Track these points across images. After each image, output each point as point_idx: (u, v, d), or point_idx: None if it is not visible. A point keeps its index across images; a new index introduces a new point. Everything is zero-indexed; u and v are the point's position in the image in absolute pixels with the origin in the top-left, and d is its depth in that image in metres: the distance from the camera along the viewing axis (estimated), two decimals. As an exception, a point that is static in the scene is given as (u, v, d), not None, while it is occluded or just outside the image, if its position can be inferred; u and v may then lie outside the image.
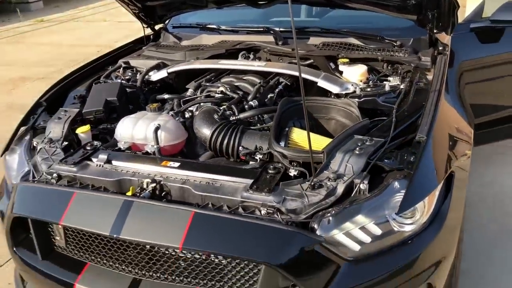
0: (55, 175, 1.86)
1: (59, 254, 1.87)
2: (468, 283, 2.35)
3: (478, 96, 2.69)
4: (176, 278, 1.66)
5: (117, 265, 1.74)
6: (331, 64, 2.45)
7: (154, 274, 1.69)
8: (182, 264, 1.66)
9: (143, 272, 1.70)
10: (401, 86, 2.17)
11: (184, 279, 1.65)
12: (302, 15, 3.10)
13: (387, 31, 2.61)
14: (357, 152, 1.69)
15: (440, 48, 2.50)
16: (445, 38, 2.57)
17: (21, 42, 8.61)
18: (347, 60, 2.41)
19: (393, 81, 2.26)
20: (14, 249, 1.92)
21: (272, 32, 2.73)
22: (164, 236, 1.55)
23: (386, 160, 1.69)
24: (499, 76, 2.75)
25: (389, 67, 2.43)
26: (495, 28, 2.67)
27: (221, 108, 2.12)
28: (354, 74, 2.33)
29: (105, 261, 1.76)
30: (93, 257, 1.78)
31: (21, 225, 1.93)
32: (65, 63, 6.58)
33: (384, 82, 2.23)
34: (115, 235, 1.58)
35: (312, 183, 1.61)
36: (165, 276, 1.67)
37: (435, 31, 2.46)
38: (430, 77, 2.24)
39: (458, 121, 2.11)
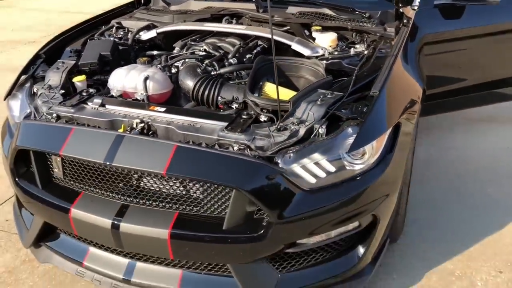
0: (54, 115, 2.11)
1: (57, 184, 2.14)
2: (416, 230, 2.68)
3: (435, 67, 2.98)
4: (160, 204, 1.94)
5: (108, 193, 2.01)
6: (306, 31, 2.71)
7: (140, 201, 1.96)
8: (165, 192, 1.94)
9: (131, 199, 1.97)
10: (365, 52, 2.45)
11: (166, 204, 1.93)
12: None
13: (359, 4, 2.86)
14: (318, 103, 1.97)
15: (405, 21, 2.77)
16: (409, 12, 2.84)
17: (11, 6, 8.68)
18: (320, 28, 2.67)
19: (359, 48, 2.54)
20: (17, 179, 2.18)
21: (254, 0, 2.98)
22: (151, 164, 1.82)
23: (343, 110, 1.97)
24: (457, 49, 3.03)
25: (357, 36, 2.70)
26: (456, 5, 2.95)
27: (203, 64, 2.37)
28: (325, 40, 2.59)
29: (97, 190, 2.03)
30: (87, 186, 2.05)
31: (23, 160, 2.19)
32: (55, 28, 6.70)
33: (351, 48, 2.51)
34: (108, 163, 1.85)
35: (278, 126, 1.89)
36: (150, 202, 1.95)
37: (400, 5, 2.74)
38: (392, 45, 2.51)
39: (410, 83, 2.39)
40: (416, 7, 2.87)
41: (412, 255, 2.50)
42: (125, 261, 2.07)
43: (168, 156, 1.80)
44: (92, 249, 2.15)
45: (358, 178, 1.90)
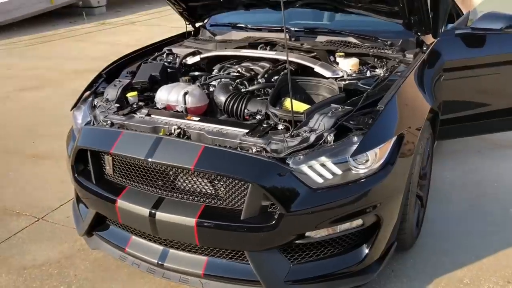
0: (109, 122, 2.54)
1: (107, 180, 2.54)
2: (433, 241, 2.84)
3: (455, 92, 3.18)
4: (189, 197, 2.28)
5: (148, 187, 2.38)
6: (331, 57, 3.03)
7: (174, 194, 2.31)
8: (194, 188, 2.28)
9: (166, 193, 2.33)
10: (381, 74, 2.73)
11: (195, 198, 2.27)
12: (317, 19, 3.70)
13: (383, 33, 3.15)
14: (329, 115, 2.27)
15: (424, 48, 3.03)
16: (429, 40, 3.09)
17: (85, 41, 9.63)
18: (343, 54, 2.98)
19: (378, 71, 2.82)
20: (76, 175, 2.60)
21: (288, 30, 3.35)
22: (182, 160, 2.18)
23: (351, 122, 2.25)
24: (477, 75, 3.22)
25: (378, 61, 2.98)
26: (475, 35, 3.16)
27: (235, 82, 2.74)
28: (347, 65, 2.88)
29: (139, 185, 2.40)
30: (131, 182, 2.43)
31: (81, 160, 2.62)
32: (122, 59, 7.45)
33: (368, 71, 2.79)
34: (148, 159, 2.23)
35: (292, 134, 2.20)
36: (182, 195, 2.29)
37: (419, 34, 3.00)
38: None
39: (417, 100, 2.63)
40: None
41: (424, 263, 2.67)
42: (160, 248, 2.41)
43: (197, 154, 2.15)
44: (134, 237, 2.51)
45: (361, 180, 2.15)
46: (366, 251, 2.26)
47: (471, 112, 3.35)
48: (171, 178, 2.32)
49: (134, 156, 2.29)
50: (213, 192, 2.24)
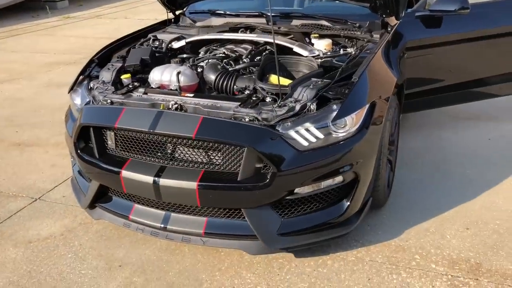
0: (109, 101, 2.76)
1: (110, 155, 2.76)
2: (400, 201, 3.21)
3: (417, 69, 3.55)
4: (189, 164, 2.54)
5: (150, 158, 2.62)
6: (306, 38, 3.34)
7: (175, 163, 2.57)
8: (193, 156, 2.54)
9: (167, 162, 2.58)
10: (352, 52, 3.06)
11: (195, 165, 2.53)
12: (293, 5, 4.00)
13: (351, 16, 3.49)
14: (311, 87, 2.57)
15: (389, 29, 3.38)
16: (393, 21, 3.45)
17: (51, 34, 9.60)
18: (317, 35, 3.29)
19: (349, 50, 3.15)
20: (79, 151, 2.81)
21: (264, 16, 3.63)
22: (184, 130, 2.43)
23: (330, 93, 2.57)
24: (433, 54, 3.60)
25: (348, 42, 3.31)
26: (433, 16, 3.53)
27: (222, 62, 3.01)
28: (322, 45, 3.20)
29: (141, 156, 2.64)
30: (134, 154, 2.67)
31: (82, 138, 2.82)
32: (93, 51, 7.50)
33: (341, 50, 3.12)
34: (151, 130, 2.47)
35: (280, 104, 2.50)
36: (182, 163, 2.55)
37: (383, 16, 3.35)
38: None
39: (386, 73, 2.98)
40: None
41: (395, 218, 3.03)
42: (162, 212, 2.66)
43: (197, 124, 2.42)
44: (137, 205, 2.74)
45: (341, 142, 2.47)
46: (347, 204, 2.59)
47: (431, 87, 3.73)
48: (171, 148, 2.57)
49: (139, 128, 2.53)
50: (211, 159, 2.51)
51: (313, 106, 2.49)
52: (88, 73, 3.18)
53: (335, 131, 2.48)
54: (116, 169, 2.64)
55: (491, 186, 3.33)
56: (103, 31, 9.59)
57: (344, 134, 2.49)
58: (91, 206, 2.91)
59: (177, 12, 4.14)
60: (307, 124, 2.43)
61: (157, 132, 2.47)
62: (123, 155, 2.71)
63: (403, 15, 3.49)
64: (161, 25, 4.03)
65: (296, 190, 2.48)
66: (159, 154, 2.60)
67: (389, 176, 3.12)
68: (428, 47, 3.59)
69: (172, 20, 4.10)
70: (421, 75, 3.66)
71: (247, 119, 2.45)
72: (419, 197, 3.24)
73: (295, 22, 3.54)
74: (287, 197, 2.48)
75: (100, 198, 2.89)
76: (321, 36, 3.31)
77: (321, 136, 2.46)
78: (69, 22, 10.87)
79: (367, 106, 2.59)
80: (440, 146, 3.95)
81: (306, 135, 2.44)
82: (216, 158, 2.51)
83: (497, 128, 4.21)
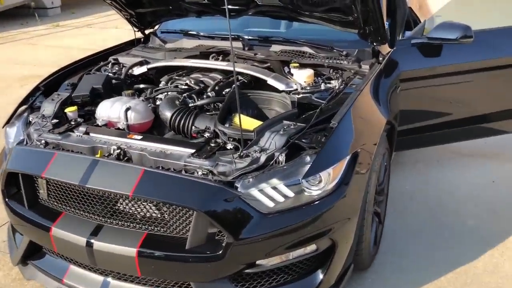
0: (43, 141, 2.32)
1: (42, 205, 2.32)
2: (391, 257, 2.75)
3: (412, 102, 3.11)
4: (130, 224, 2.09)
5: (85, 214, 2.17)
6: (285, 67, 2.90)
7: (113, 221, 2.12)
8: (136, 214, 2.09)
9: (105, 219, 2.13)
10: (336, 87, 2.61)
11: (136, 225, 2.09)
12: (272, 27, 3.56)
13: (338, 42, 3.05)
14: (281, 133, 2.13)
15: (380, 58, 2.94)
16: (386, 50, 3.01)
17: (37, 44, 9.20)
18: (297, 64, 2.85)
19: (334, 83, 2.71)
20: (7, 200, 2.37)
21: (241, 39, 3.20)
22: (120, 185, 1.99)
23: (303, 140, 2.12)
24: (434, 85, 3.16)
25: (333, 73, 2.87)
26: (432, 44, 3.10)
27: (183, 96, 2.57)
28: (302, 76, 2.76)
29: (76, 211, 2.20)
30: (67, 207, 2.22)
31: (14, 182, 2.38)
32: (74, 64, 7.12)
33: (323, 84, 2.67)
34: (82, 184, 2.03)
35: (241, 154, 2.05)
36: (122, 222, 2.10)
37: (374, 44, 2.91)
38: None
39: (373, 115, 2.53)
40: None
41: (383, 282, 2.57)
42: (100, 278, 2.21)
43: (136, 179, 1.97)
44: (72, 267, 2.30)
45: (315, 203, 2.02)
46: (321, 276, 2.13)
47: (430, 122, 3.29)
48: (111, 203, 2.13)
49: (67, 181, 2.09)
50: (156, 218, 2.07)
51: (281, 157, 2.04)
52: (30, 104, 2.74)
53: (307, 188, 2.03)
54: (46, 225, 2.20)
55: (495, 243, 2.87)
56: (90, 41, 9.19)
57: (318, 192, 2.04)
58: (23, 262, 2.47)
59: (148, 31, 3.70)
60: (274, 181, 1.98)
61: (88, 186, 2.03)
62: (56, 207, 2.27)
63: (397, 41, 3.07)
64: (128, 46, 3.59)
65: (259, 262, 2.02)
66: (95, 208, 2.15)
67: (376, 232, 2.67)
68: (426, 78, 3.15)
69: (142, 40, 3.67)
70: (417, 109, 3.22)
71: (199, 173, 2.00)
72: (411, 253, 2.78)
73: (275, 47, 3.11)
74: (247, 270, 2.03)
75: (33, 254, 2.44)
76: (302, 66, 2.87)
77: (290, 194, 2.01)
78: (57, 31, 10.48)
79: (348, 157, 2.14)
80: (437, 188, 3.49)
81: (272, 193, 1.99)
82: (162, 218, 2.06)
83: (502, 169, 3.75)
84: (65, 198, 2.22)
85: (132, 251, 2.00)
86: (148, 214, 2.08)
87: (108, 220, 2.13)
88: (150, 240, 2.03)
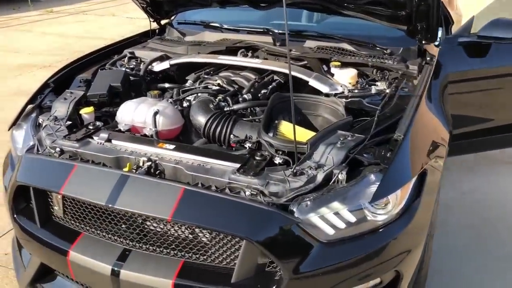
0: (58, 149, 2.00)
1: (56, 223, 2.01)
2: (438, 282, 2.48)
3: (460, 106, 2.83)
4: (164, 250, 1.80)
5: (109, 236, 1.87)
6: (324, 66, 2.60)
7: (143, 246, 1.82)
8: (170, 238, 1.79)
9: (134, 243, 1.83)
10: (387, 91, 2.32)
11: (171, 251, 1.79)
12: (303, 20, 3.25)
13: (380, 39, 2.75)
14: (338, 146, 1.83)
15: (428, 58, 2.65)
16: (433, 49, 2.72)
17: (30, 30, 8.77)
18: (339, 63, 2.55)
19: (380, 85, 2.41)
20: (15, 216, 2.05)
21: (271, 33, 2.89)
22: (156, 208, 1.69)
23: (365, 155, 1.83)
24: (482, 89, 2.88)
25: (378, 73, 2.57)
26: (481, 43, 2.81)
27: (216, 99, 2.26)
28: (344, 77, 2.47)
29: (98, 232, 1.89)
30: (87, 227, 1.92)
31: (23, 195, 2.07)
32: (71, 53, 6.71)
33: (372, 86, 2.38)
34: (110, 205, 1.72)
35: (295, 171, 1.75)
36: (154, 247, 1.81)
37: (423, 42, 2.61)
38: (415, 84, 2.38)
39: (436, 126, 2.25)
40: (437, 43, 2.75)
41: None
42: (124, 310, 1.92)
43: (175, 200, 1.67)
44: (90, 294, 2.00)
45: (380, 230, 1.74)
46: (381, 311, 1.86)
47: (477, 128, 3.01)
48: (141, 223, 1.83)
49: (92, 200, 1.77)
50: (196, 244, 1.77)
51: (342, 176, 1.74)
52: (38, 103, 2.41)
53: (372, 213, 1.75)
54: (62, 247, 1.89)
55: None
56: (86, 29, 8.78)
57: (384, 217, 1.75)
58: (32, 285, 2.16)
59: (164, 22, 3.37)
60: (336, 205, 1.69)
61: (117, 208, 1.72)
62: (74, 226, 1.96)
63: (441, 40, 2.78)
64: (143, 37, 3.26)
65: (315, 299, 1.74)
66: (123, 229, 1.85)
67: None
68: (475, 80, 2.87)
69: (157, 31, 3.34)
70: (464, 114, 2.93)
71: (247, 193, 1.71)
72: (459, 277, 2.52)
73: (309, 43, 2.80)
74: (302, 307, 1.74)
75: (44, 277, 2.13)
76: (344, 64, 2.57)
77: (352, 220, 1.72)
78: (51, 17, 10.04)
79: (416, 175, 1.86)
80: (475, 200, 3.23)
81: (332, 219, 1.70)
82: (203, 244, 1.77)
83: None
84: (85, 216, 1.91)
85: (167, 282, 1.70)
86: (184, 238, 1.78)
87: (137, 244, 1.83)
88: (188, 269, 1.74)
